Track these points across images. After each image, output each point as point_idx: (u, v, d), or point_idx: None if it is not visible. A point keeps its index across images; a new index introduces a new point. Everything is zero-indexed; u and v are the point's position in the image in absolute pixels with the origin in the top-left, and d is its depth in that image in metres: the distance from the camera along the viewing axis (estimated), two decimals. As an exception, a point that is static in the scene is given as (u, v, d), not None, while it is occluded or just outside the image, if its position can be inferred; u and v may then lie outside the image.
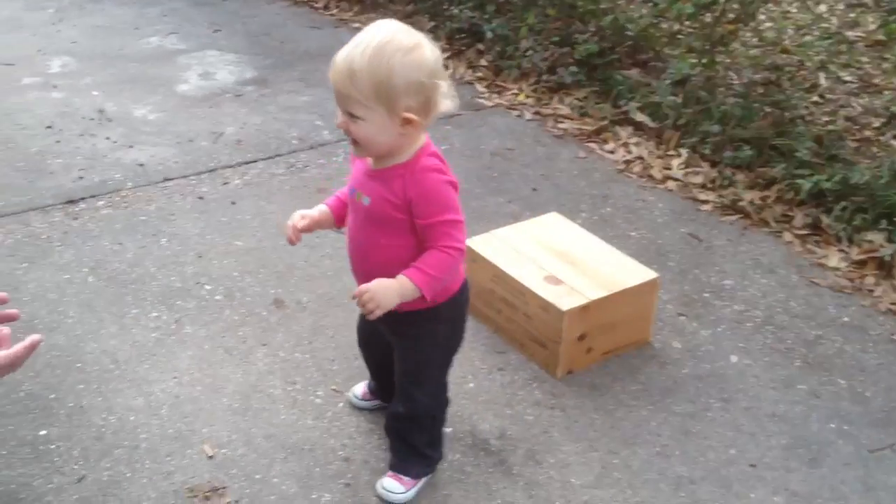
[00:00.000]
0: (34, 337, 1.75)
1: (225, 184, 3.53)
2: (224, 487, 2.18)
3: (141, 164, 3.61)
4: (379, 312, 1.81)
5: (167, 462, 2.23)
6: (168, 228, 3.22)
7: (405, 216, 1.83)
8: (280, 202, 3.42)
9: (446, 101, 1.81)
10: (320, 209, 2.04)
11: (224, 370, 2.57)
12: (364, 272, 1.91)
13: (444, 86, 1.80)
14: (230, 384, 2.52)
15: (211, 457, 2.27)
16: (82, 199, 3.37)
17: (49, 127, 3.87)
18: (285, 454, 2.29)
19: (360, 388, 2.43)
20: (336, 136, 3.94)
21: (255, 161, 3.72)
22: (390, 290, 1.82)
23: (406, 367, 2.09)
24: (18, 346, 1.73)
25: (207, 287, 2.91)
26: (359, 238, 1.94)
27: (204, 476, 2.21)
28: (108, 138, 3.81)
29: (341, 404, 2.46)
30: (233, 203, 3.40)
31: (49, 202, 3.33)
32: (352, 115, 1.77)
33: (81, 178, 3.50)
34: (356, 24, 5.25)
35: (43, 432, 2.30)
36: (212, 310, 2.81)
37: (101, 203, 3.35)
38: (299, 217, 2.02)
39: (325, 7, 5.48)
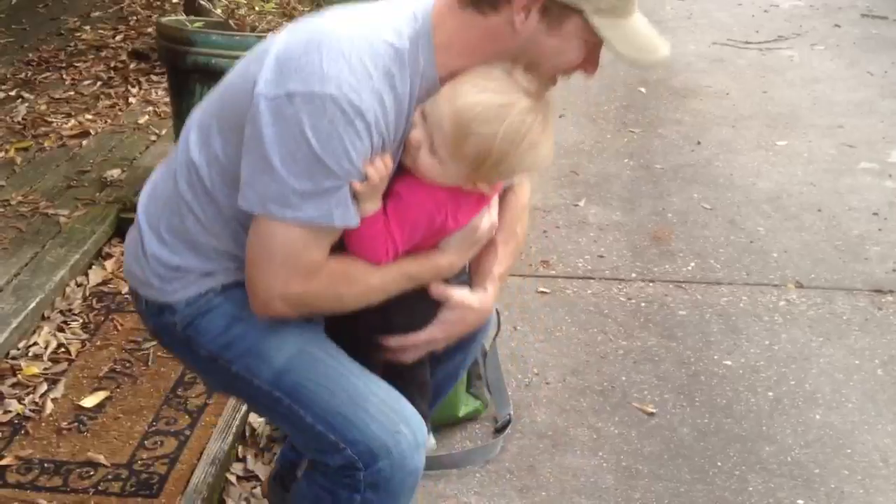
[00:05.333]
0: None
1: None
2: None
3: (958, 271, 3.47)
4: None
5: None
6: (972, 344, 3.04)
7: None
8: None
9: None
10: None
11: None
12: None
13: None
14: None
15: None
16: (891, 291, 3.37)
17: (875, 213, 3.93)
18: None
19: None
20: None
21: None
22: None
23: None
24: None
25: None
26: None
27: None
28: (933, 237, 3.73)
29: None
30: None
31: (857, 286, 3.40)
32: None
33: (895, 270, 3.50)
34: None
35: (800, 502, 2.41)
36: None
37: (908, 300, 3.32)
38: None
39: None
